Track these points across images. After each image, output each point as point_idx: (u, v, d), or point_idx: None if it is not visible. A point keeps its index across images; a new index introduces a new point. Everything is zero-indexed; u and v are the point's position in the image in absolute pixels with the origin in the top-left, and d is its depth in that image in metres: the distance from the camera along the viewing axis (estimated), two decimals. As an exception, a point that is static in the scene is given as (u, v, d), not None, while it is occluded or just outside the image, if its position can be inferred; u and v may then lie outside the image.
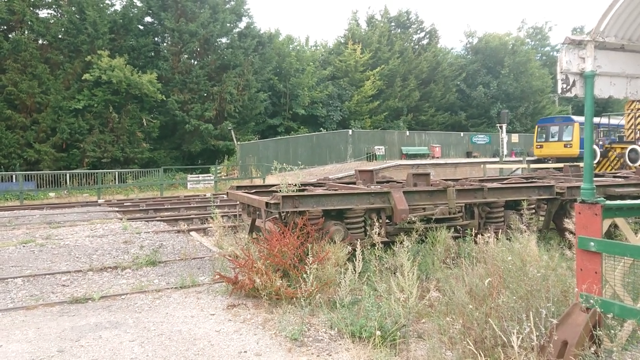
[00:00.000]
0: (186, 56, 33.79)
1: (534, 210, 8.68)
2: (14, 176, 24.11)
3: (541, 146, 32.70)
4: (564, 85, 4.37)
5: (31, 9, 28.74)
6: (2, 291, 6.98)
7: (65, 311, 5.99)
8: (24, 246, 10.21)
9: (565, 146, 31.15)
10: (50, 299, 6.53)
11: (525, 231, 5.75)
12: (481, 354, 3.89)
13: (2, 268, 8.39)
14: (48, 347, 4.88)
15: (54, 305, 6.25)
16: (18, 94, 26.82)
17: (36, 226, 13.37)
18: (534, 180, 10.21)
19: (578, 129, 31.02)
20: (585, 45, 4.39)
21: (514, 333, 3.83)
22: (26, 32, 28.77)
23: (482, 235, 6.20)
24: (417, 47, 48.63)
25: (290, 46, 41.86)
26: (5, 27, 28.68)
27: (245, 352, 4.74)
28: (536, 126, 34.33)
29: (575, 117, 32.42)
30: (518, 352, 3.81)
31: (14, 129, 27.01)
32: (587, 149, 4.33)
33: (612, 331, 4.00)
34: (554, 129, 32.59)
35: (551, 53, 61.65)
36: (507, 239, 5.88)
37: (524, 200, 8.15)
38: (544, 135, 33.09)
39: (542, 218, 9.03)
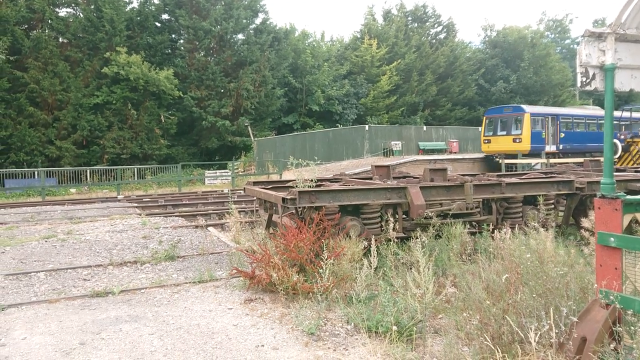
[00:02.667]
0: (202, 53, 33.99)
1: (553, 206, 8.58)
2: (36, 172, 24.56)
3: (489, 141, 29.24)
4: (584, 79, 4.31)
5: (51, 7, 29.19)
6: (26, 285, 7.14)
7: (86, 305, 6.10)
8: (46, 241, 10.41)
9: (514, 141, 27.48)
10: (72, 293, 6.66)
11: (542, 227, 5.69)
12: (498, 349, 3.88)
13: (25, 262, 8.57)
14: (70, 339, 4.98)
15: (76, 298, 6.37)
16: (40, 92, 27.28)
17: (58, 221, 13.61)
18: (553, 175, 10.08)
19: (529, 121, 27.20)
20: (606, 37, 4.32)
21: (532, 329, 3.81)
22: (46, 30, 29.22)
23: (499, 231, 6.16)
24: (434, 41, 48.21)
25: (306, 42, 41.82)
26: (26, 26, 29.15)
27: (262, 346, 4.78)
28: (484, 117, 30.66)
29: (526, 107, 28.72)
30: (536, 349, 3.79)
31: (36, 126, 27.49)
32: (607, 143, 4.27)
33: (633, 328, 3.95)
34: (503, 120, 28.81)
35: (571, 46, 60.76)
36: (524, 234, 5.83)
37: (541, 195, 8.06)
38: (492, 128, 29.33)
39: (561, 214, 8.93)
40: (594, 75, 4.33)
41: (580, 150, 29.29)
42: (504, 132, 28.45)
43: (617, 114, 35.91)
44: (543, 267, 4.62)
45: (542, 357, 3.88)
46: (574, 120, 30.05)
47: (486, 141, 29.51)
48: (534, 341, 3.67)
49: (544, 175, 10.04)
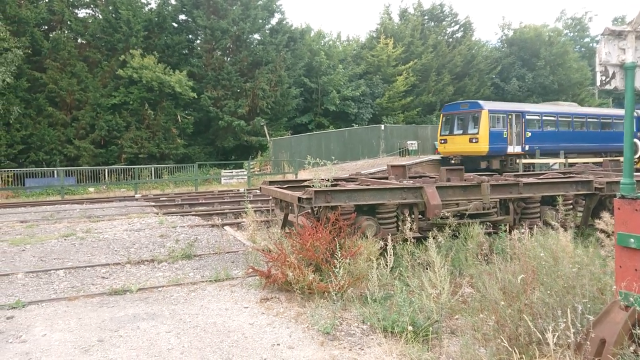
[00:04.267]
0: (219, 53, 34.20)
1: (571, 206, 8.48)
2: (55, 172, 24.95)
3: (445, 141, 26.33)
4: (603, 78, 4.25)
5: (70, 8, 29.64)
6: (46, 282, 7.26)
7: (104, 302, 6.18)
8: (65, 239, 10.56)
9: (470, 141, 24.45)
10: (90, 291, 6.75)
11: (560, 227, 5.63)
12: (516, 351, 3.85)
13: (45, 260, 8.71)
14: (89, 336, 5.05)
15: (94, 296, 6.46)
16: (59, 92, 27.70)
17: (76, 220, 13.80)
18: (571, 175, 9.97)
19: (487, 119, 24.07)
20: (626, 35, 4.26)
21: (549, 330, 3.77)
22: (65, 32, 29.66)
23: (517, 231, 6.11)
24: (451, 40, 47.89)
25: (322, 41, 41.82)
26: (46, 27, 29.62)
27: (278, 344, 4.80)
28: (441, 114, 27.70)
29: (484, 103, 25.62)
30: (554, 350, 3.75)
31: (55, 125, 27.92)
32: (627, 142, 4.20)
33: (653, 330, 3.89)
34: (460, 118, 25.84)
35: (590, 44, 59.83)
36: (541, 235, 5.77)
37: (560, 195, 7.97)
38: (449, 127, 26.37)
39: (580, 214, 8.82)
40: (613, 74, 4.27)
41: (551, 151, 26.53)
42: (461, 131, 25.52)
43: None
44: (559, 266, 4.58)
45: (560, 358, 3.84)
46: (544, 118, 27.05)
47: (442, 141, 26.66)
48: (552, 342, 3.64)
49: (562, 175, 9.92)
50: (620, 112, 31.79)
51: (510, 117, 25.27)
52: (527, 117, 26.01)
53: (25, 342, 4.95)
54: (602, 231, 5.17)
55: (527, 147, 25.70)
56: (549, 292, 4.22)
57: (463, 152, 25.04)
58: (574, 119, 28.52)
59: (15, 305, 6.03)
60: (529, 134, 25.94)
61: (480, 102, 25.82)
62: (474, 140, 24.25)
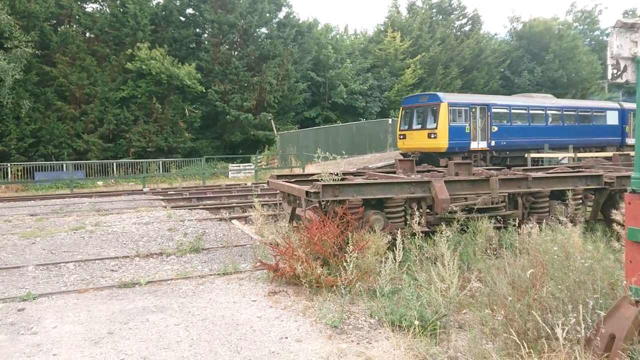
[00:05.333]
0: (226, 47, 34.19)
1: (581, 201, 8.43)
2: (64, 165, 25.11)
3: (404, 136, 24.24)
4: (615, 71, 4.21)
5: (78, 2, 29.74)
6: (56, 275, 7.32)
7: (114, 295, 6.23)
8: (74, 232, 10.64)
9: (429, 136, 22.49)
10: (100, 283, 6.80)
11: (570, 222, 5.59)
12: (524, 345, 3.84)
13: (55, 253, 8.79)
14: (99, 328, 5.10)
15: (104, 289, 6.51)
16: (68, 86, 27.83)
17: (86, 213, 13.89)
18: (581, 169, 9.90)
19: (446, 112, 22.16)
20: (638, 28, 4.20)
21: (558, 325, 3.76)
22: (74, 26, 29.76)
23: (525, 225, 6.08)
24: (459, 33, 47.58)
25: (329, 35, 41.67)
26: (55, 21, 29.73)
27: (286, 338, 4.82)
28: (400, 108, 25.65)
29: (443, 95, 23.57)
30: (563, 345, 3.74)
31: (64, 120, 28.07)
32: (638, 136, 4.16)
33: (664, 326, 3.86)
34: (419, 111, 23.81)
35: (600, 38, 59.21)
36: (551, 230, 5.74)
37: (569, 190, 7.92)
38: (408, 121, 24.32)
39: (589, 209, 8.76)
40: (625, 67, 4.22)
41: (521, 147, 24.93)
42: (419, 126, 23.56)
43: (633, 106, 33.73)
44: (569, 261, 4.55)
45: (569, 353, 3.83)
46: (513, 111, 25.01)
47: (401, 136, 24.53)
48: (562, 337, 3.62)
49: (572, 170, 9.86)
50: (601, 104, 30.48)
51: (474, 110, 23.39)
52: (494, 110, 23.97)
53: (36, 333, 5.01)
54: (619, 223, 5.13)
55: (493, 143, 23.88)
56: (559, 287, 4.20)
57: (422, 148, 23.19)
58: (548, 112, 26.48)
59: (26, 297, 6.09)
60: (496, 128, 23.95)
61: (440, 94, 23.95)
62: (432, 136, 22.40)
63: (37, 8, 26.66)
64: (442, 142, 22.03)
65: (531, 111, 25.82)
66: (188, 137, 31.75)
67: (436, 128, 22.08)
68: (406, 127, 24.14)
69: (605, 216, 8.93)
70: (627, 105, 30.81)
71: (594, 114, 28.45)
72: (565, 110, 27.33)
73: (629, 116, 29.42)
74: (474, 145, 23.12)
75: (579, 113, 27.74)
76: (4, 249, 9.23)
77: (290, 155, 31.07)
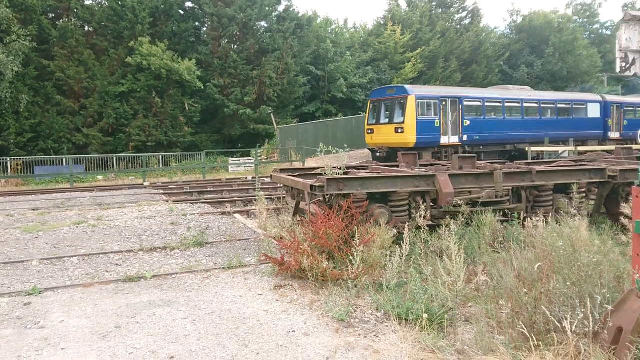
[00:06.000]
0: (226, 41, 34.07)
1: (584, 194, 8.44)
2: (64, 160, 25.07)
3: (372, 131, 23.15)
4: (623, 64, 4.20)
5: (77, -4, 29.59)
6: (60, 269, 7.33)
7: (119, 289, 6.24)
8: (77, 227, 10.64)
9: (396, 131, 21.33)
10: (105, 277, 6.81)
11: (576, 215, 5.61)
12: (533, 337, 3.86)
13: (58, 247, 8.79)
14: (106, 322, 5.10)
15: (109, 283, 6.51)
16: (67, 80, 27.74)
17: (87, 208, 13.89)
18: (583, 163, 9.90)
19: (414, 106, 20.92)
20: (647, 21, 4.20)
21: (566, 318, 3.77)
22: (72, 20, 29.62)
23: (530, 219, 6.09)
24: (459, 27, 47.47)
25: (329, 29, 41.53)
26: (53, 15, 29.59)
27: (293, 331, 4.83)
28: (368, 101, 24.54)
29: (411, 88, 22.24)
30: (569, 338, 3.76)
31: (63, 114, 28.00)
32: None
33: (671, 318, 3.88)
34: (387, 105, 22.68)
35: (600, 31, 59.15)
36: (557, 223, 5.75)
37: (574, 183, 7.93)
38: (376, 115, 23.21)
39: (592, 202, 8.78)
40: (634, 60, 4.21)
41: (496, 141, 23.87)
42: (387, 120, 22.37)
43: (621, 99, 31.68)
44: (576, 255, 4.56)
45: (577, 346, 3.85)
46: (486, 104, 23.72)
47: (369, 131, 23.35)
48: (570, 330, 3.64)
49: (574, 163, 9.86)
50: (581, 96, 29.48)
51: (444, 103, 22.27)
52: (466, 103, 22.85)
53: (44, 327, 5.01)
54: (626, 217, 5.14)
55: (465, 138, 22.79)
56: (567, 282, 4.21)
57: (389, 143, 22.06)
58: (525, 105, 25.41)
59: (31, 292, 6.09)
60: (468, 122, 22.84)
61: (407, 86, 22.73)
62: (399, 131, 21.20)
63: (34, 2, 26.52)
64: (409, 137, 20.95)
65: (506, 104, 24.77)
66: (188, 132, 31.70)
67: (403, 122, 21.04)
68: (374, 121, 23.15)
69: (608, 210, 8.95)
70: (610, 97, 30.04)
71: (574, 106, 27.45)
72: (543, 103, 26.38)
73: (611, 109, 28.66)
74: (444, 140, 22.19)
75: (558, 105, 26.74)
76: (7, 243, 9.23)
77: (291, 149, 31.04)
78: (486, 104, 23.67)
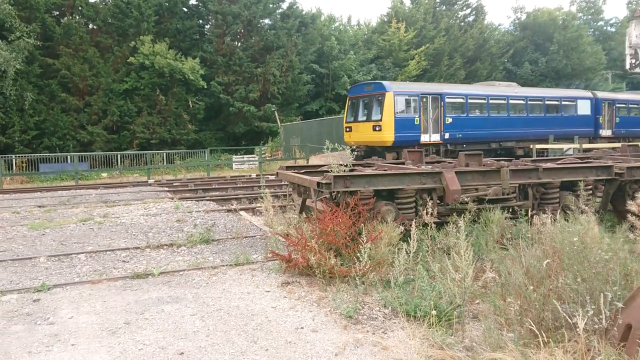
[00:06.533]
0: (230, 38, 34.09)
1: (590, 192, 8.42)
2: (68, 157, 25.15)
3: (350, 129, 22.36)
4: (633, 61, 4.21)
5: (81, -7, 29.66)
6: (68, 266, 7.36)
7: (128, 285, 6.26)
8: (83, 224, 10.68)
9: (374, 129, 20.46)
10: (112, 274, 6.83)
11: (585, 212, 5.59)
12: (543, 334, 3.86)
13: (65, 244, 8.82)
14: (115, 319, 5.13)
15: (117, 279, 6.54)
16: (71, 77, 27.82)
17: (93, 205, 13.93)
18: (589, 160, 9.88)
19: (392, 103, 20.12)
20: (656, 18, 4.19)
21: (576, 315, 3.77)
22: (77, 17, 29.68)
23: (538, 216, 6.08)
24: (463, 24, 47.38)
25: (333, 26, 41.51)
26: (57, 13, 29.65)
27: (301, 328, 4.84)
28: (347, 98, 23.76)
29: (389, 84, 21.29)
30: (579, 335, 3.76)
31: (68, 111, 28.09)
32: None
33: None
34: (365, 102, 21.87)
35: (605, 28, 58.93)
36: (565, 220, 5.75)
37: (581, 180, 7.91)
38: (354, 113, 22.42)
39: (598, 200, 8.76)
40: (644, 56, 4.21)
41: (480, 139, 22.91)
42: (365, 118, 21.56)
43: (614, 96, 30.44)
44: (587, 252, 4.56)
45: (586, 343, 3.85)
46: (470, 101, 22.90)
47: (347, 129, 22.50)
48: (581, 327, 3.64)
49: (580, 161, 9.84)
50: (571, 93, 28.63)
51: (424, 100, 21.39)
52: (448, 99, 22.02)
53: (53, 324, 5.04)
54: (633, 214, 5.13)
55: (447, 136, 21.95)
56: (578, 279, 4.21)
57: (367, 141, 21.14)
58: (511, 102, 24.45)
59: (40, 288, 6.12)
60: (450, 120, 21.98)
61: (385, 82, 21.71)
62: (377, 128, 20.30)
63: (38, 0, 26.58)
64: (387, 135, 20.04)
65: (491, 101, 23.83)
66: (191, 129, 31.76)
67: (381, 120, 20.19)
68: (352, 119, 22.39)
69: (614, 207, 8.93)
70: (601, 94, 29.07)
71: (563, 103, 26.59)
72: (531, 100, 25.50)
73: (602, 106, 27.74)
74: (424, 138, 21.31)
75: (546, 102, 25.85)
76: (15, 240, 9.28)
77: (294, 146, 31.06)
78: (469, 100, 22.90)
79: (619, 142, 25.34)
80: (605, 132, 27.89)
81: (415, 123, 20.89)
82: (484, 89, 24.50)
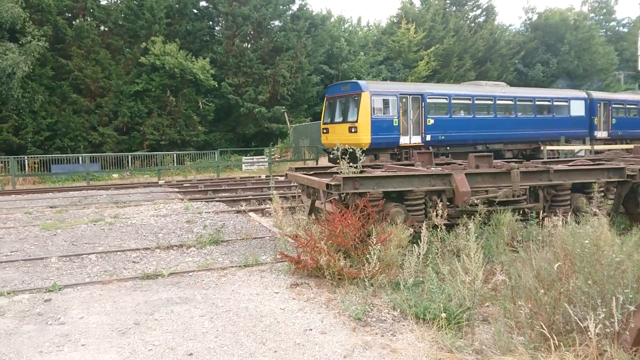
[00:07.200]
0: (239, 40, 34.20)
1: (602, 194, 8.34)
2: (80, 158, 25.35)
3: (327, 130, 21.58)
4: (646, 62, 4.14)
5: (93, -5, 29.91)
6: (79, 266, 7.42)
7: (137, 286, 6.29)
8: (94, 224, 10.76)
9: (349, 130, 19.63)
10: (123, 275, 6.87)
11: (597, 214, 5.55)
12: (553, 338, 3.82)
13: (76, 244, 8.89)
14: (125, 319, 5.15)
15: (127, 280, 6.57)
16: (83, 79, 28.04)
17: (104, 205, 14.02)
18: (601, 162, 9.79)
19: (368, 103, 19.30)
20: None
21: (588, 318, 3.73)
22: (88, 19, 29.92)
23: (549, 218, 6.04)
24: (473, 25, 47.16)
25: (343, 27, 41.51)
26: (69, 15, 29.91)
27: (310, 330, 4.84)
28: (325, 98, 22.88)
29: (365, 84, 20.36)
30: (591, 338, 3.72)
31: (79, 112, 28.31)
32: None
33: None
34: (342, 102, 20.94)
35: (617, 28, 58.40)
36: (576, 222, 5.70)
37: (595, 182, 7.84)
38: (331, 113, 21.59)
39: (610, 202, 8.67)
40: (657, 58, 4.15)
41: (464, 141, 22.12)
42: (341, 119, 20.71)
43: (612, 96, 29.31)
44: (598, 255, 4.51)
45: (598, 347, 3.81)
46: (453, 102, 21.95)
47: (324, 130, 21.70)
48: (593, 331, 3.60)
49: (592, 162, 9.75)
50: (563, 93, 27.52)
51: (404, 100, 20.45)
52: (429, 100, 21.02)
53: (64, 324, 5.08)
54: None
55: (428, 138, 21.00)
56: (589, 281, 4.17)
57: (344, 143, 20.70)
58: (498, 102, 23.40)
59: (51, 288, 6.17)
60: (432, 121, 21.06)
61: (362, 82, 20.71)
62: (352, 130, 19.46)
63: (50, 2, 26.81)
64: (363, 137, 19.08)
65: (477, 101, 22.80)
66: (201, 130, 31.87)
67: (356, 121, 19.38)
68: (329, 120, 21.58)
69: (627, 209, 8.84)
70: (596, 94, 27.99)
71: (555, 103, 25.55)
72: (520, 100, 24.40)
73: (598, 106, 26.82)
74: (404, 140, 20.42)
75: (537, 103, 24.78)
76: (27, 240, 9.36)
77: (304, 147, 31.07)
78: (453, 101, 21.99)
79: (616, 144, 24.67)
80: (601, 134, 27.03)
81: (394, 124, 20.15)
82: (469, 89, 23.66)
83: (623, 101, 28.93)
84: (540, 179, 7.88)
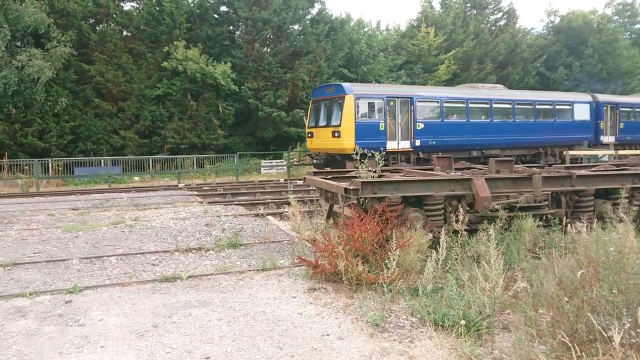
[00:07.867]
0: (259, 44, 34.38)
1: (627, 200, 8.16)
2: (102, 161, 25.73)
3: (311, 134, 21.02)
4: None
5: (115, 1, 30.36)
6: (99, 268, 7.50)
7: (156, 289, 6.34)
8: (115, 227, 10.88)
9: (333, 135, 19.01)
10: (142, 277, 6.93)
11: (623, 221, 5.42)
12: (576, 347, 3.73)
13: (97, 247, 9.00)
14: (143, 322, 5.19)
15: (146, 282, 6.62)
16: (105, 84, 28.46)
17: (125, 208, 14.19)
18: (626, 167, 9.58)
19: (352, 106, 18.56)
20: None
21: (612, 328, 3.64)
22: (111, 25, 30.41)
23: (572, 224, 5.92)
24: (493, 28, 46.73)
25: (362, 31, 41.44)
26: (93, 20, 30.43)
27: (327, 335, 4.81)
28: (310, 101, 22.33)
29: (349, 86, 19.61)
30: (615, 349, 3.63)
31: (102, 116, 28.74)
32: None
33: None
34: (326, 105, 20.25)
35: (642, 30, 57.27)
36: (602, 228, 5.58)
37: (620, 188, 7.67)
38: (315, 117, 20.98)
39: (634, 208, 8.48)
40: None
41: (456, 147, 21.20)
42: (325, 123, 20.00)
43: (616, 99, 27.94)
44: (623, 262, 4.40)
45: (623, 357, 3.71)
46: (445, 105, 21.04)
47: (309, 134, 21.19)
48: (617, 341, 3.51)
49: (616, 168, 9.55)
50: (566, 96, 26.43)
51: (391, 103, 19.68)
52: (419, 103, 20.17)
53: (84, 325, 5.13)
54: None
55: (418, 143, 20.25)
56: (614, 290, 4.07)
57: (327, 149, 19.62)
58: (494, 106, 22.45)
59: (72, 290, 6.25)
60: (422, 125, 20.28)
61: (346, 84, 19.89)
62: (336, 135, 18.76)
63: (75, 7, 27.32)
64: (346, 142, 18.36)
65: (471, 104, 21.89)
66: (221, 134, 32.08)
67: (339, 125, 18.62)
68: (313, 123, 20.99)
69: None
70: (603, 97, 26.71)
71: (557, 107, 24.48)
72: (518, 104, 23.41)
73: (604, 110, 25.65)
74: (391, 145, 19.70)
75: (537, 107, 23.76)
76: (49, 242, 9.51)
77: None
78: (445, 104, 21.17)
79: (624, 149, 23.68)
80: (608, 139, 25.91)
81: (380, 129, 19.45)
82: (462, 92, 22.85)
83: (632, 104, 27.58)
84: (563, 184, 7.75)
